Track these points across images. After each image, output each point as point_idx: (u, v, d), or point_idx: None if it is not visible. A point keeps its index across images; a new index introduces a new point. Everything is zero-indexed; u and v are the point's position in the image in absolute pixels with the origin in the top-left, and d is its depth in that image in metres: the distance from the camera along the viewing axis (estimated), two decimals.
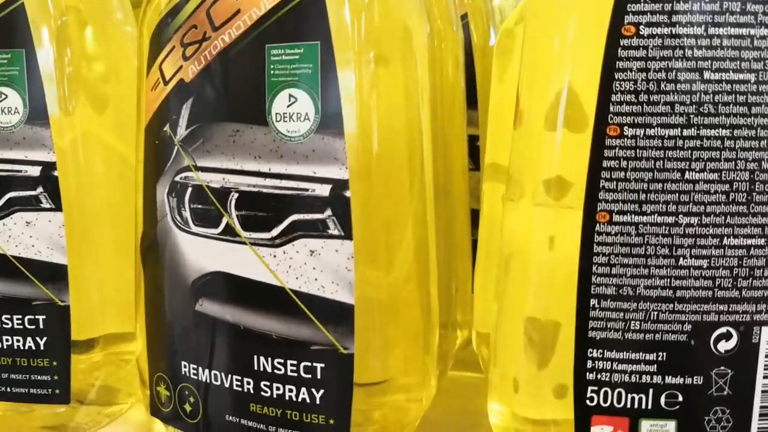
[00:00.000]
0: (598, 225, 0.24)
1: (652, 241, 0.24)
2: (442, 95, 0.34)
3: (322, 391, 0.27)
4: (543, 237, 0.26)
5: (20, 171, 0.32)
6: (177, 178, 0.29)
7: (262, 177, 0.27)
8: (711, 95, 0.23)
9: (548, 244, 0.26)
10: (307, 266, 0.27)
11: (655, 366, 0.24)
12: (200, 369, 0.29)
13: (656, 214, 0.24)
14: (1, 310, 0.33)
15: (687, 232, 0.24)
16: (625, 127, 0.24)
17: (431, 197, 0.30)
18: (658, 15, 0.23)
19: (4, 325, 0.33)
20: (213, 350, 0.29)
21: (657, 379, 0.24)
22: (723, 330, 0.24)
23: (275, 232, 0.27)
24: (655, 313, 0.24)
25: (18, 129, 0.32)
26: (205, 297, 0.29)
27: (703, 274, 0.24)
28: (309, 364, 0.27)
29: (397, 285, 0.29)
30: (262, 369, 0.28)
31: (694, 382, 0.24)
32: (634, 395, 0.24)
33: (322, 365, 0.27)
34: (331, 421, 0.27)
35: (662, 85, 0.23)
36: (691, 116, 0.23)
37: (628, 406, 0.25)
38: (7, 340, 0.33)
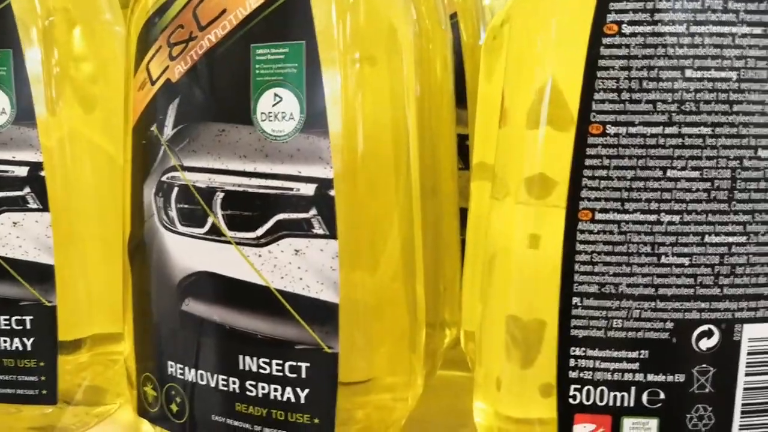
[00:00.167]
0: (580, 223, 0.24)
1: (634, 239, 0.24)
2: (430, 95, 0.34)
3: (307, 391, 0.27)
4: (526, 235, 0.26)
5: (7, 171, 0.32)
6: (164, 178, 0.29)
7: (247, 176, 0.27)
8: (693, 93, 0.23)
9: (531, 243, 0.26)
10: (292, 266, 0.27)
11: (638, 364, 0.24)
12: (186, 369, 0.29)
13: (638, 212, 0.24)
14: None
15: (669, 230, 0.24)
16: (608, 126, 0.24)
17: (417, 197, 0.30)
18: (640, 13, 0.23)
19: None
20: (199, 350, 0.29)
21: (639, 377, 0.24)
22: (705, 328, 0.24)
23: (260, 231, 0.27)
24: (638, 311, 0.24)
25: (5, 129, 0.32)
26: (191, 297, 0.29)
27: (684, 272, 0.24)
28: (294, 363, 0.27)
29: (382, 284, 0.29)
30: (247, 368, 0.28)
31: (676, 380, 0.24)
32: (617, 393, 0.24)
33: (307, 364, 0.27)
34: (316, 420, 0.27)
35: (644, 84, 0.24)
36: (673, 114, 0.23)
37: (611, 404, 0.25)
38: None
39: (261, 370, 0.28)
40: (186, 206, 0.29)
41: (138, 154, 0.31)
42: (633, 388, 0.24)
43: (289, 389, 0.27)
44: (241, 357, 0.28)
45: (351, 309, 0.27)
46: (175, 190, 0.29)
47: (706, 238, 0.24)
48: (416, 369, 0.30)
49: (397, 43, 0.29)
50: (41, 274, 0.32)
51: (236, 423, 0.29)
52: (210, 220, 0.28)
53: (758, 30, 0.23)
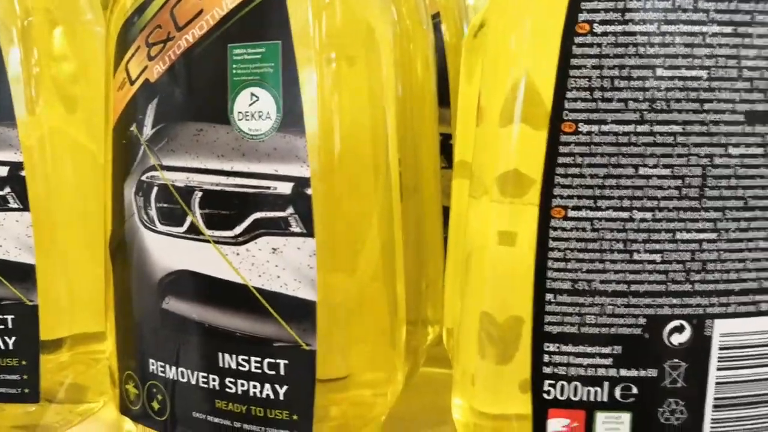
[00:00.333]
0: (553, 220, 0.24)
1: (606, 236, 0.24)
2: (411, 94, 0.34)
3: (285, 388, 0.28)
4: (502, 233, 0.26)
5: None
6: (143, 178, 0.30)
7: (224, 175, 0.28)
8: (664, 92, 0.24)
9: (507, 240, 0.26)
10: (270, 264, 0.27)
11: (611, 359, 0.25)
12: (167, 367, 0.30)
13: (611, 210, 0.24)
14: None
15: (641, 227, 0.24)
16: (580, 124, 0.24)
17: (398, 196, 0.30)
18: (611, 13, 0.24)
19: None
20: (179, 348, 0.29)
21: (612, 372, 0.25)
22: (676, 323, 0.24)
23: (238, 230, 0.28)
24: (610, 307, 0.24)
25: None
26: (171, 295, 0.29)
27: (656, 269, 0.24)
28: (272, 360, 0.28)
29: (361, 282, 0.29)
30: (227, 366, 0.28)
31: (649, 375, 0.24)
32: (590, 388, 0.25)
33: (286, 362, 0.27)
34: (295, 417, 0.27)
35: (616, 82, 0.24)
36: (645, 113, 0.24)
37: (584, 399, 0.25)
38: None
39: (240, 368, 0.28)
40: (165, 205, 0.29)
41: (118, 153, 0.31)
42: (606, 383, 0.25)
43: (267, 386, 0.28)
44: (220, 354, 0.28)
45: (329, 306, 0.27)
46: (155, 189, 0.29)
47: (678, 235, 0.24)
48: (396, 365, 0.31)
49: (375, 43, 0.29)
50: (22, 274, 0.32)
51: (216, 420, 0.29)
52: (189, 219, 0.28)
53: (728, 29, 0.23)
